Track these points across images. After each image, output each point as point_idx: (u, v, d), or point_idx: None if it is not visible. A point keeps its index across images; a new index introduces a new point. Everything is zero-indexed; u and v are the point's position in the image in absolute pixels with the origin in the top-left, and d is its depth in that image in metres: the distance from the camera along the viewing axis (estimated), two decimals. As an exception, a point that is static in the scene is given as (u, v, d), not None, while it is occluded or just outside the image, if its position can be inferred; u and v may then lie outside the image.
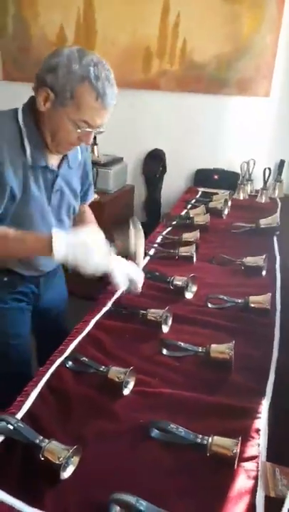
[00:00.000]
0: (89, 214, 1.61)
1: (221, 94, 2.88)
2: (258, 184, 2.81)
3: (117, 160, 3.14)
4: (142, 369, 1.17)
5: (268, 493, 0.86)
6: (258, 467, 0.91)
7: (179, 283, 1.57)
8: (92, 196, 1.63)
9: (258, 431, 1.00)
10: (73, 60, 1.13)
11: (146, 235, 2.10)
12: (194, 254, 1.83)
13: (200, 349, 1.24)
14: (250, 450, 0.95)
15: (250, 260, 1.78)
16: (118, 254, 1.34)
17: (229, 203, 2.50)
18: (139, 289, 1.41)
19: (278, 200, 2.76)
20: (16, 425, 0.92)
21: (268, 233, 2.15)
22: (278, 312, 1.49)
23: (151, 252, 1.91)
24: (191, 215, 2.27)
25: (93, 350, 1.25)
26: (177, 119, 3.05)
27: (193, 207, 2.49)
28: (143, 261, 1.55)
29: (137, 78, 2.99)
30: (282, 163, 2.86)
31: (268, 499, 0.85)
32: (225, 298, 1.50)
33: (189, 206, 2.54)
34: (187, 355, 1.24)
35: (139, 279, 1.40)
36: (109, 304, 1.49)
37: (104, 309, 1.47)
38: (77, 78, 1.13)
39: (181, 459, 0.92)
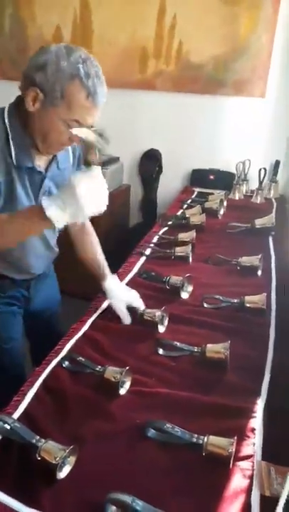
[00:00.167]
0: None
1: (217, 95, 2.88)
2: (254, 184, 2.81)
3: (113, 160, 3.13)
4: (138, 369, 1.17)
5: (263, 492, 0.86)
6: (253, 466, 0.92)
7: (175, 283, 1.57)
8: None
9: (253, 430, 1.00)
10: (61, 56, 1.09)
11: (143, 235, 2.12)
12: (190, 254, 1.84)
13: (196, 349, 1.24)
14: (246, 449, 0.96)
15: (245, 260, 1.78)
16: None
17: (225, 203, 2.51)
18: (143, 306, 1.43)
19: (273, 200, 2.77)
20: (12, 425, 0.92)
21: (263, 233, 2.16)
22: (273, 312, 1.50)
23: (148, 252, 1.91)
24: (187, 215, 2.27)
25: (90, 350, 1.25)
26: (173, 119, 3.05)
27: (189, 207, 2.49)
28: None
29: (134, 78, 2.99)
30: (277, 163, 2.86)
31: (263, 498, 0.86)
32: (220, 298, 1.50)
33: (185, 206, 2.54)
34: (183, 355, 1.25)
35: (139, 303, 1.43)
36: (105, 305, 1.49)
37: (101, 309, 1.47)
38: (66, 76, 1.09)
39: (177, 459, 0.93)
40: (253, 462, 0.93)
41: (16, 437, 0.91)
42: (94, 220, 1.54)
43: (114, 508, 0.79)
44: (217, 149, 3.03)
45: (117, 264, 1.74)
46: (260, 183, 2.73)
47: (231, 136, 2.97)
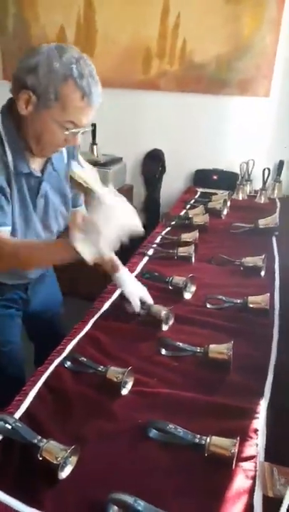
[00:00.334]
0: None
1: (221, 95, 2.88)
2: (257, 185, 2.81)
3: (116, 160, 3.14)
4: (140, 369, 1.17)
5: (266, 493, 0.86)
6: (256, 467, 0.91)
7: (178, 283, 1.57)
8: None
9: (256, 431, 1.00)
10: (53, 57, 1.06)
11: (146, 235, 2.11)
12: (193, 254, 1.83)
13: (198, 349, 1.24)
14: (249, 450, 0.95)
15: (249, 260, 1.78)
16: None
17: (228, 204, 2.50)
18: (152, 301, 1.44)
19: (277, 200, 2.76)
20: (14, 425, 0.92)
21: (266, 234, 2.15)
22: (277, 312, 1.50)
23: (150, 252, 1.91)
24: (190, 216, 2.27)
25: (92, 350, 1.25)
26: (177, 119, 3.05)
27: (192, 207, 2.49)
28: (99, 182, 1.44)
29: (137, 78, 2.99)
30: (281, 163, 2.86)
31: (266, 499, 0.85)
32: (223, 298, 1.50)
33: (188, 206, 2.54)
34: (186, 356, 1.24)
35: (148, 297, 1.44)
36: (107, 305, 1.49)
37: (103, 309, 1.47)
38: (59, 77, 1.06)
39: (179, 459, 0.92)
40: (256, 463, 0.92)
41: (17, 437, 0.91)
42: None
43: (116, 508, 0.79)
44: (221, 149, 3.02)
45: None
46: (264, 183, 2.72)
47: (235, 136, 2.96)
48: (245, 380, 1.17)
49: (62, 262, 1.13)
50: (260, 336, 1.36)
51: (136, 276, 1.65)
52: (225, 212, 2.43)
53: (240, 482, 0.88)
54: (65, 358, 1.20)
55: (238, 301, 1.49)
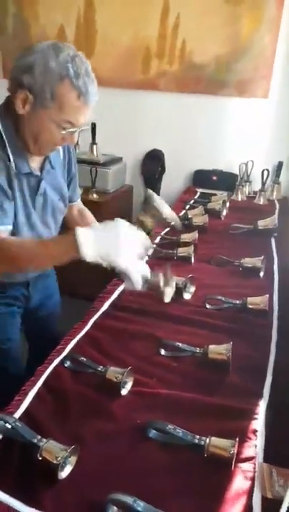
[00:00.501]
0: (89, 213, 1.60)
1: (220, 95, 2.88)
2: (256, 186, 2.81)
3: (116, 160, 3.14)
4: (139, 369, 1.17)
5: (265, 494, 0.86)
6: (254, 468, 0.91)
7: (177, 283, 1.56)
8: (79, 194, 1.58)
9: (255, 432, 1.00)
10: (49, 56, 1.06)
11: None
12: (192, 254, 1.83)
13: (198, 350, 1.24)
14: (247, 451, 0.95)
15: (248, 261, 1.78)
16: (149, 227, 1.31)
17: (227, 204, 2.51)
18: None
19: (276, 201, 2.77)
20: (13, 424, 0.92)
21: (265, 234, 2.16)
22: (276, 313, 1.50)
23: (150, 252, 1.91)
24: (189, 216, 2.27)
25: (91, 350, 1.25)
26: (176, 119, 3.05)
27: (192, 208, 2.49)
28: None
29: (137, 78, 2.99)
30: (280, 164, 2.86)
31: (264, 500, 0.85)
32: (223, 299, 1.50)
33: (188, 207, 2.54)
34: (185, 356, 1.24)
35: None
36: (107, 305, 1.49)
37: (103, 309, 1.47)
38: (55, 77, 1.06)
39: (178, 460, 0.93)
40: (255, 464, 0.92)
41: (17, 437, 0.91)
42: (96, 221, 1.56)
43: (115, 508, 0.79)
44: (220, 150, 3.03)
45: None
46: (263, 184, 2.72)
47: (234, 137, 2.97)
48: (244, 380, 1.17)
49: (61, 257, 1.14)
50: (259, 336, 1.37)
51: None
52: (224, 213, 2.43)
53: (239, 483, 0.88)
54: (65, 358, 1.20)
55: (237, 301, 1.49)
